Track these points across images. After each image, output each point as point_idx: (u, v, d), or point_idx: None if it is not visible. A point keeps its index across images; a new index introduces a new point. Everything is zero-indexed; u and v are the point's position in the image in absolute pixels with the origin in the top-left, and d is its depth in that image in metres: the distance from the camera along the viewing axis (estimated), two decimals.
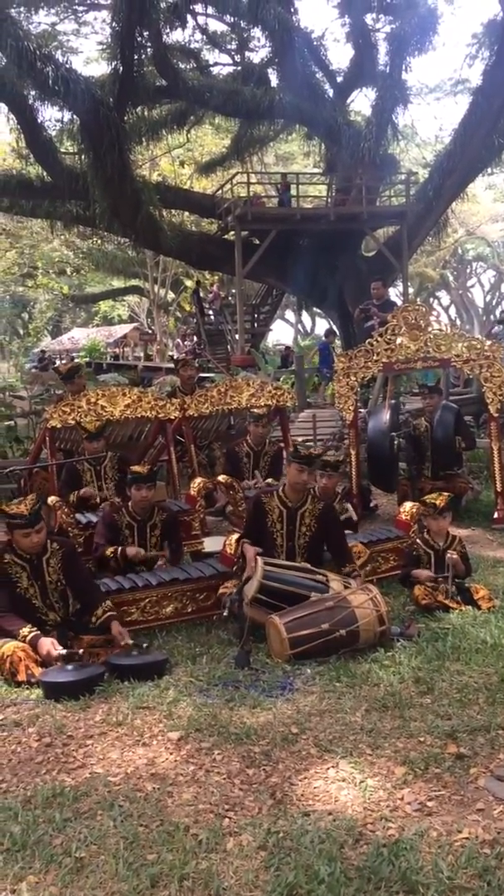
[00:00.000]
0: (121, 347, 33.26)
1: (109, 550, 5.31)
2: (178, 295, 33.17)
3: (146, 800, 2.96)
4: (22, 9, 18.40)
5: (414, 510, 5.92)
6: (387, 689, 3.88)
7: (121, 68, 13.83)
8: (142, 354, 31.01)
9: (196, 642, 4.77)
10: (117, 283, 36.65)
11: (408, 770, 3.14)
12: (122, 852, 2.62)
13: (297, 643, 4.32)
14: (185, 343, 21.39)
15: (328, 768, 3.19)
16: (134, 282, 33.86)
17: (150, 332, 32.44)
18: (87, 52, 34.35)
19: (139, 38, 13.79)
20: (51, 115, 21.53)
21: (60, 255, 31.66)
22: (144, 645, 4.38)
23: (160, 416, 6.87)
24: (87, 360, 23.65)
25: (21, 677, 4.07)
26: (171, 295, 33.29)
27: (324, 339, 17.75)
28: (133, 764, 3.25)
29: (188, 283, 30.87)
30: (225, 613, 4.70)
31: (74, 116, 13.95)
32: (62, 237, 27.05)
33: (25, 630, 4.22)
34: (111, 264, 31.29)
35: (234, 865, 2.57)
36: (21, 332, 45.45)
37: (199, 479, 6.65)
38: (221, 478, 7.07)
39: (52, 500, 5.99)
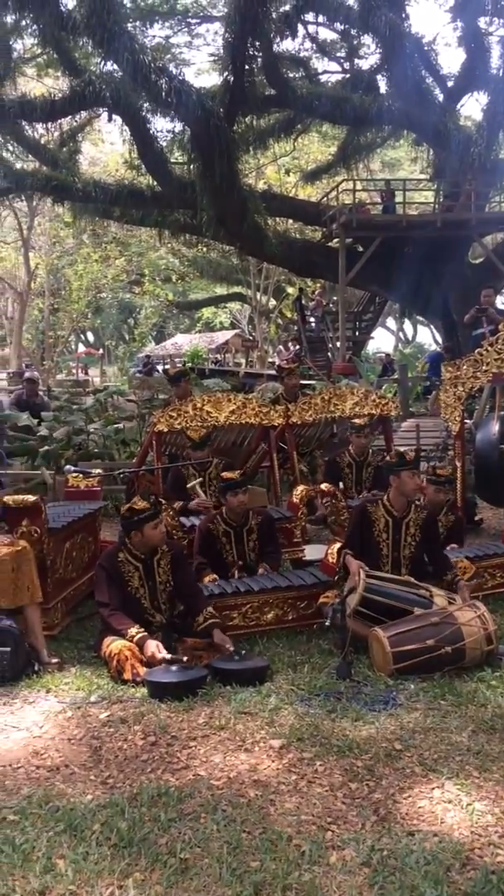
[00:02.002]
0: (222, 353, 33.69)
1: (207, 579, 5.25)
2: (280, 302, 33.32)
3: (249, 806, 2.97)
4: (137, 23, 18.96)
5: None
6: (495, 711, 3.77)
7: (232, 79, 14.04)
8: (243, 361, 31.29)
9: (297, 650, 4.77)
10: (220, 290, 37.14)
11: None
12: (226, 857, 2.63)
13: (400, 658, 4.25)
14: (289, 347, 21.45)
15: (433, 788, 3.11)
16: (236, 289, 34.24)
17: (251, 338, 32.70)
18: (199, 63, 35.14)
19: (250, 49, 13.96)
20: (162, 126, 22.12)
21: (167, 262, 32.36)
22: (243, 652, 4.41)
23: (264, 422, 6.90)
24: (190, 365, 24.07)
25: (127, 676, 4.17)
26: (272, 302, 33.48)
27: (441, 351, 17.50)
28: (235, 769, 3.26)
29: (290, 290, 30.98)
30: (327, 623, 4.66)
31: (185, 127, 14.25)
32: (169, 245, 27.64)
33: (133, 630, 4.32)
34: (215, 272, 31.74)
35: (337, 880, 2.54)
36: (126, 337, 46.71)
37: (301, 487, 6.64)
38: (324, 486, 7.03)
39: None
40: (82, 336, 49.10)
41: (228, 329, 39.35)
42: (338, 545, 5.31)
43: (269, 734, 3.56)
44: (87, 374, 35.62)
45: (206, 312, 42.10)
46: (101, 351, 45.58)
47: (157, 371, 23.93)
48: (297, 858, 2.64)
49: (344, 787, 3.13)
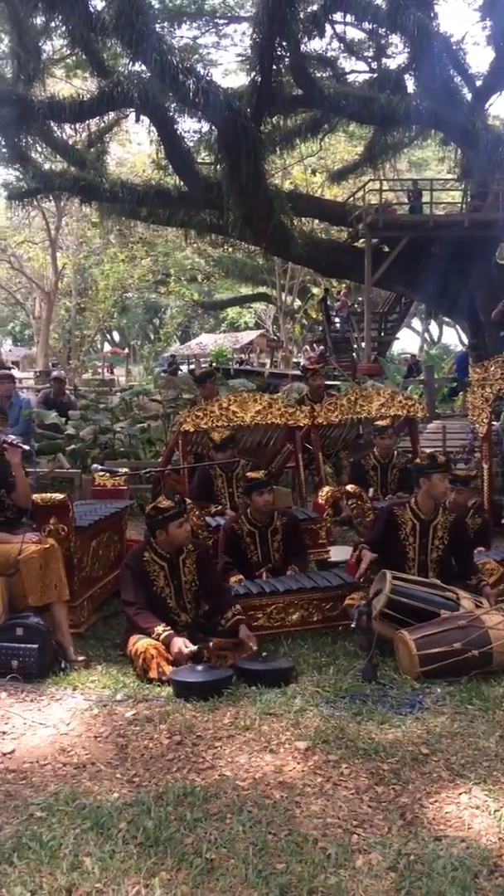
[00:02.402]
0: (247, 353, 33.72)
1: (234, 579, 5.24)
2: (305, 302, 33.29)
3: (274, 807, 2.96)
4: (166, 24, 19.03)
5: None
6: None
7: (259, 79, 14.01)
8: (267, 361, 31.28)
9: (322, 652, 4.75)
10: (245, 290, 37.17)
11: None
12: (252, 858, 2.63)
13: (427, 661, 4.22)
14: (314, 347, 21.44)
15: (460, 793, 3.09)
16: (261, 289, 34.28)
17: (276, 338, 32.71)
18: (226, 63, 35.15)
19: (278, 49, 13.94)
20: (189, 127, 22.18)
21: (192, 262, 32.45)
22: (263, 654, 4.40)
23: (290, 423, 6.89)
24: (215, 365, 24.13)
25: (152, 674, 4.18)
26: (297, 302, 33.45)
27: (467, 350, 17.40)
28: (261, 770, 3.26)
29: (315, 290, 30.95)
30: (352, 625, 4.64)
31: (212, 127, 14.27)
32: (195, 245, 27.71)
33: (160, 628, 4.34)
34: (240, 272, 31.79)
35: (363, 884, 2.53)
36: (152, 336, 46.93)
37: (327, 488, 6.62)
38: (349, 487, 7.01)
39: None
40: (108, 336, 49.40)
41: (253, 329, 39.40)
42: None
43: (294, 736, 3.56)
44: (112, 373, 35.88)
45: (231, 312, 42.19)
46: (126, 350, 45.84)
47: (182, 371, 24.04)
48: (322, 861, 2.63)
49: (370, 790, 3.12)
